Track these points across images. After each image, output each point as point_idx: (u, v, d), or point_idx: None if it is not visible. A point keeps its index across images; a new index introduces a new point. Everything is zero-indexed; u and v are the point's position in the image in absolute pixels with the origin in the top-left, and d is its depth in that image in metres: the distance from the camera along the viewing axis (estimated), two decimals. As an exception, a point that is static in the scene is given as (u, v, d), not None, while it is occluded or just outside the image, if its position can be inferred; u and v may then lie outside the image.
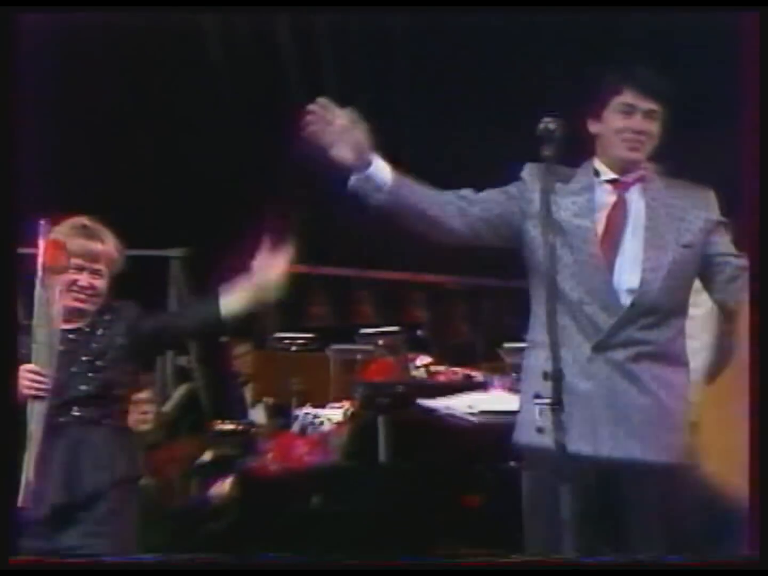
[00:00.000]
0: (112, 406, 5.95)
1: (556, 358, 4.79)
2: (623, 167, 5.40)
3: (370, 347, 9.87)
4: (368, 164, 5.32)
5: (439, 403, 7.90)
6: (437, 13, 11.10)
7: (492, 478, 7.78)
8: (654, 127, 5.39)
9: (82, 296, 6.02)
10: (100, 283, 6.06)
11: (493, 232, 5.40)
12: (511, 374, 8.12)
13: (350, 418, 8.46)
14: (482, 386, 8.18)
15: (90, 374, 5.88)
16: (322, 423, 8.55)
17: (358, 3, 8.37)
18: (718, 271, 5.39)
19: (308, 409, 8.70)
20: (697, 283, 5.52)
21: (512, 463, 7.19)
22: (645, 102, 5.38)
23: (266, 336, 10.56)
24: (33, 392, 5.70)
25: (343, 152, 5.28)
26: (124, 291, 10.63)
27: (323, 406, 8.71)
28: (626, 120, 5.39)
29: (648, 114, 5.36)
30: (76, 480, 5.86)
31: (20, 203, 9.33)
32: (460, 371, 8.55)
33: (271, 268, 5.93)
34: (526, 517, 5.40)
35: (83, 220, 6.16)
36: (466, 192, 5.44)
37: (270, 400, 9.62)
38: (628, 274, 5.37)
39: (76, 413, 5.84)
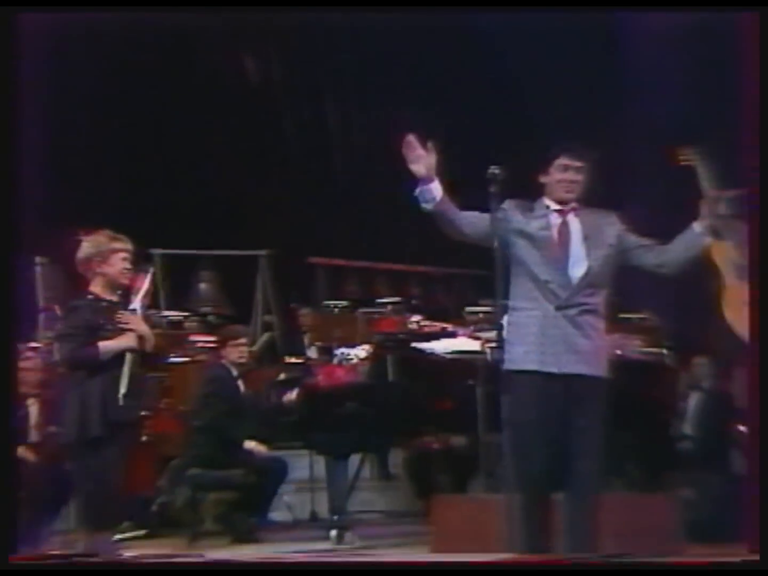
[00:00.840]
0: None
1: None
2: (563, 203, 5.68)
3: (382, 310, 10.43)
4: (431, 180, 5.53)
5: (426, 346, 8.27)
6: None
7: (458, 389, 7.99)
8: (581, 177, 5.66)
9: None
10: None
11: (489, 238, 5.56)
12: (470, 327, 8.60)
13: (370, 355, 8.48)
14: (452, 335, 8.43)
15: None
16: (352, 358, 8.55)
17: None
18: (636, 253, 5.66)
19: (343, 349, 8.74)
20: None
21: (469, 381, 7.72)
22: (575, 162, 5.65)
23: (319, 303, 10.97)
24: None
25: (418, 168, 5.51)
26: (221, 286, 11.14)
27: (353, 347, 8.70)
28: (563, 174, 5.66)
29: (577, 170, 5.65)
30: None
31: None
32: (439, 325, 8.76)
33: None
34: (505, 424, 5.45)
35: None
36: (477, 213, 5.64)
37: (320, 343, 9.89)
38: (576, 264, 5.61)
39: None
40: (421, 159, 5.54)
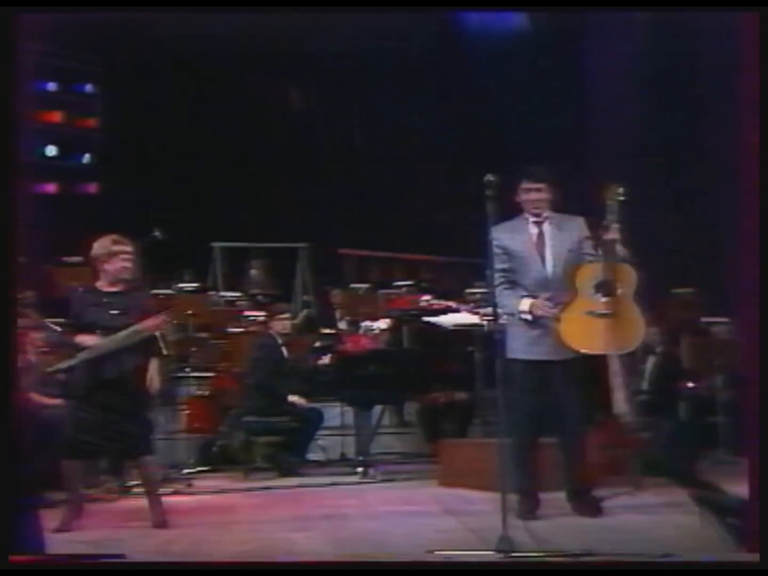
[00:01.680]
0: None
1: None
2: (535, 215, 5.67)
3: (398, 291, 10.29)
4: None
5: (434, 320, 8.38)
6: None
7: (460, 354, 8.12)
8: (545, 196, 5.62)
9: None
10: None
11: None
12: (470, 305, 8.55)
13: (389, 327, 8.69)
14: (456, 311, 8.44)
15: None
16: (374, 329, 8.76)
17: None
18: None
19: (368, 322, 8.93)
20: None
21: (469, 348, 7.83)
22: (536, 184, 5.65)
23: (347, 285, 10.75)
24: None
25: None
26: (268, 271, 11.01)
27: (375, 321, 8.86)
28: (528, 195, 5.66)
29: (538, 190, 5.63)
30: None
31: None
32: (444, 303, 8.58)
33: None
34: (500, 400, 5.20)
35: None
36: (503, 271, 5.55)
37: (348, 318, 9.87)
38: (550, 266, 5.60)
39: None
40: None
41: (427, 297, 8.73)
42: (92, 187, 11.37)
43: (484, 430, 7.72)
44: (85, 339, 5.77)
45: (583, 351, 5.51)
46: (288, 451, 8.52)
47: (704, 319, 9.06)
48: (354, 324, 9.54)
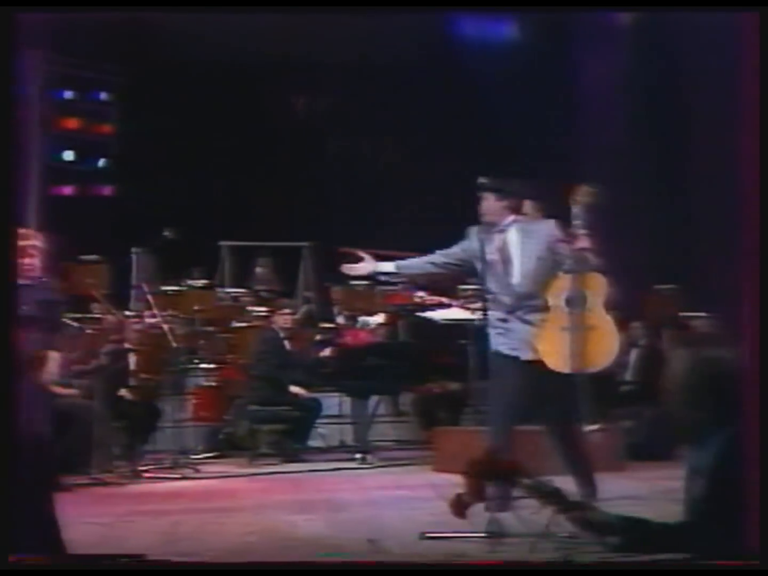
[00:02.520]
0: None
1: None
2: (489, 223, 5.19)
3: (394, 288, 9.53)
4: (377, 269, 5.36)
5: (428, 314, 8.31)
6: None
7: (453, 347, 8.02)
8: (502, 203, 5.14)
9: None
10: None
11: (459, 267, 5.27)
12: (461, 301, 8.30)
13: (385, 321, 8.81)
14: (448, 306, 8.31)
15: None
16: (371, 324, 8.88)
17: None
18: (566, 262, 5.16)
19: (365, 317, 9.01)
20: None
21: (461, 341, 7.67)
22: (491, 195, 5.16)
23: (346, 282, 10.07)
24: None
25: (363, 272, 5.45)
26: (272, 269, 10.75)
27: (372, 315, 8.96)
28: (485, 203, 5.17)
29: (495, 199, 5.16)
30: None
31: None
32: (438, 299, 8.47)
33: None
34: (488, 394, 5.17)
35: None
36: (443, 252, 5.25)
37: (347, 312, 9.66)
38: (516, 274, 5.15)
39: None
40: (362, 268, 5.36)
41: (421, 293, 8.57)
42: (107, 190, 11.47)
43: (476, 419, 7.51)
44: None
45: (562, 371, 5.04)
46: (290, 439, 8.44)
47: (684, 314, 8.91)
48: (352, 318, 9.47)
